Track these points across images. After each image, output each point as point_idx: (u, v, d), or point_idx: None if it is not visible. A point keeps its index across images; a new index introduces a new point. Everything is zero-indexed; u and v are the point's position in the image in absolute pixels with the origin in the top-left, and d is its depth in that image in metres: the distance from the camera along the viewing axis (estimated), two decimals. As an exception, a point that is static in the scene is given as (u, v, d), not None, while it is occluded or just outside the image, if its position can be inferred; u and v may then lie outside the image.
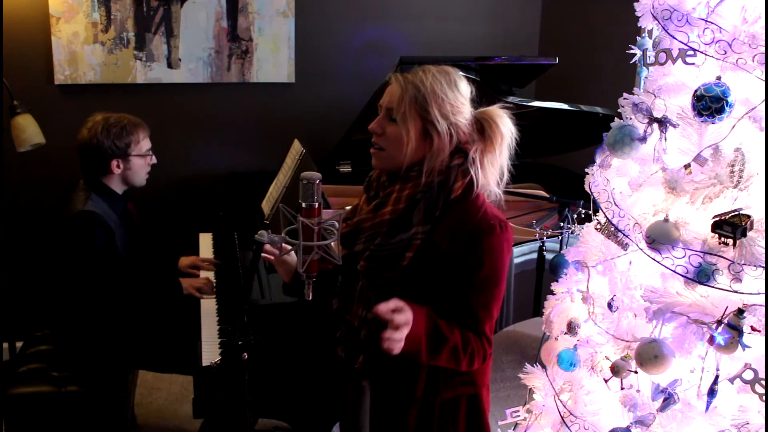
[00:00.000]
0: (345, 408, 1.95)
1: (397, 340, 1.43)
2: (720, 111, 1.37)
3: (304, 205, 1.54)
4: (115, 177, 2.59)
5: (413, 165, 1.62)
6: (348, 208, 1.84)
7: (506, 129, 1.63)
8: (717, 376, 1.42)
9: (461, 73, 1.65)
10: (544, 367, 1.95)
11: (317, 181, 1.55)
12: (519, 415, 2.09)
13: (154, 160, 2.67)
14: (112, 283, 2.48)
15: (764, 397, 1.36)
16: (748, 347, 1.34)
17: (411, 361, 1.62)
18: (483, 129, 1.62)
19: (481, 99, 1.67)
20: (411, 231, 1.60)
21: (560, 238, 2.69)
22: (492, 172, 1.64)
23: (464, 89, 1.63)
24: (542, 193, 3.25)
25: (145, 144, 2.62)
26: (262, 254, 1.67)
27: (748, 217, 1.36)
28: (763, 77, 1.35)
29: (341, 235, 1.69)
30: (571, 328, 1.79)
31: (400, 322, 1.42)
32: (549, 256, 2.71)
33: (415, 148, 1.60)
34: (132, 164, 2.58)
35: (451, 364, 1.59)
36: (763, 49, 1.31)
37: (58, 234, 2.53)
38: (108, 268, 2.48)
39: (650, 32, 1.63)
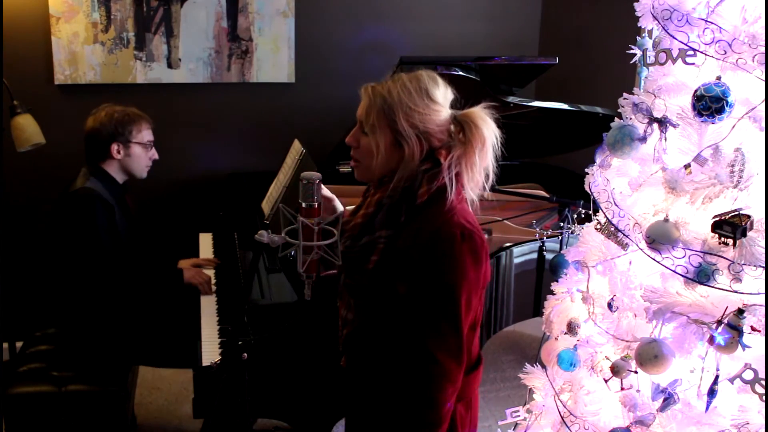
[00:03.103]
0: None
1: None
2: (720, 111, 1.37)
3: (304, 205, 1.54)
4: (115, 163, 2.63)
5: (389, 173, 1.61)
6: (349, 207, 1.85)
7: (488, 131, 1.56)
8: (717, 376, 1.42)
9: (438, 78, 1.61)
10: (544, 367, 1.95)
11: (317, 181, 1.55)
12: (519, 415, 2.09)
13: (155, 155, 2.71)
14: (111, 261, 2.51)
15: (764, 397, 1.36)
16: (748, 347, 1.34)
17: (381, 369, 1.63)
18: (464, 132, 1.57)
19: (468, 100, 1.63)
20: (375, 235, 1.59)
21: (560, 238, 2.69)
22: (472, 177, 1.58)
23: (438, 95, 1.58)
24: (542, 193, 3.25)
25: (147, 135, 2.68)
26: None
27: (748, 217, 1.36)
28: (763, 77, 1.35)
29: None
30: (571, 328, 1.79)
31: None
32: (549, 256, 2.71)
33: (387, 158, 1.59)
34: (132, 151, 2.64)
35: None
36: (763, 49, 1.32)
37: (59, 213, 2.55)
38: (107, 245, 2.51)
39: (650, 32, 1.63)
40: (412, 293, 1.55)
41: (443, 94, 1.60)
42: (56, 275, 2.66)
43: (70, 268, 2.56)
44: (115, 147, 2.61)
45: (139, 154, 2.66)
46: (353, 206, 1.81)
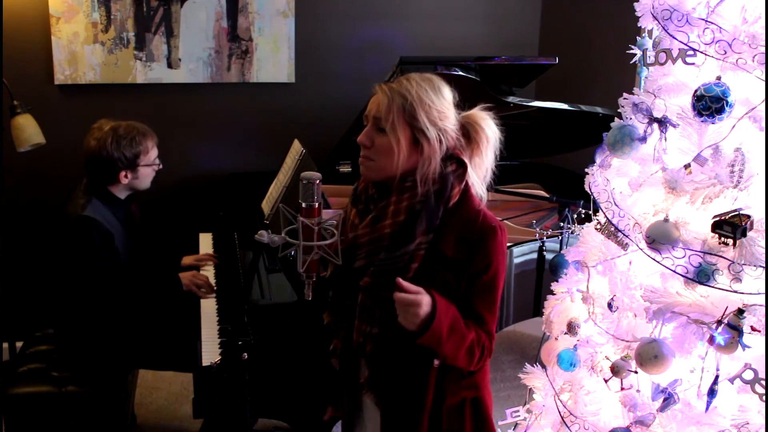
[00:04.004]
0: (343, 418, 1.93)
1: (408, 309, 1.48)
2: (720, 111, 1.37)
3: (304, 205, 1.54)
4: (122, 186, 2.59)
5: (406, 175, 1.61)
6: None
7: (491, 131, 1.64)
8: (717, 376, 1.42)
9: (442, 80, 1.66)
10: (544, 367, 1.95)
11: (317, 181, 1.55)
12: (519, 415, 2.09)
13: (160, 166, 2.67)
14: (110, 287, 2.48)
15: (764, 397, 1.36)
16: (748, 347, 1.34)
17: (419, 370, 1.64)
18: (469, 133, 1.63)
19: (464, 103, 1.67)
20: (415, 242, 1.59)
21: (560, 238, 2.69)
22: (479, 175, 1.66)
23: (448, 95, 1.63)
24: (542, 193, 3.25)
25: (154, 153, 2.62)
26: None
27: (748, 217, 1.36)
28: (763, 77, 1.35)
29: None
30: (571, 328, 1.79)
31: (410, 300, 1.48)
32: (549, 256, 2.71)
33: (406, 157, 1.59)
34: (140, 173, 2.58)
35: (466, 360, 1.61)
36: (763, 49, 1.32)
37: (56, 237, 2.53)
38: (105, 273, 2.47)
39: (650, 32, 1.64)
40: (455, 291, 1.61)
41: (450, 97, 1.64)
42: (55, 286, 2.65)
43: (68, 289, 2.54)
44: (123, 173, 2.54)
45: (147, 174, 2.61)
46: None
